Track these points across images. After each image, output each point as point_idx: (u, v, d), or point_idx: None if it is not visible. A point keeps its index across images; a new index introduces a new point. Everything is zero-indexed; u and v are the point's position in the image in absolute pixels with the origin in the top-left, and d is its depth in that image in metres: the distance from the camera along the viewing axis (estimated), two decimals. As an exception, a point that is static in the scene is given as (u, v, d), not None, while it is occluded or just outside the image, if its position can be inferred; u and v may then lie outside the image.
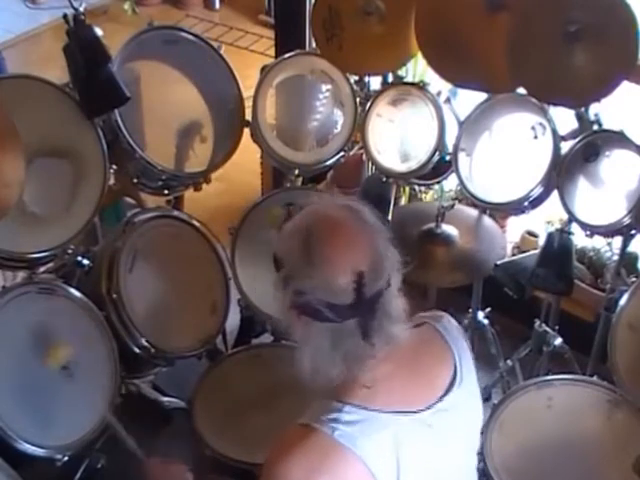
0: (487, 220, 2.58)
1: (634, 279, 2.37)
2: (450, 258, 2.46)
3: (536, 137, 2.36)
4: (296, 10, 3.30)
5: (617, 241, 2.42)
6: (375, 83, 2.64)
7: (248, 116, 2.53)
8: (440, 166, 2.54)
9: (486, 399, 2.84)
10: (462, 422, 1.45)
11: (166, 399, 2.35)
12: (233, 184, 3.77)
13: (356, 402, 1.33)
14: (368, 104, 2.56)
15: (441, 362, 1.44)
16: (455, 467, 1.47)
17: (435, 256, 2.46)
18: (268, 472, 1.32)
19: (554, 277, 2.38)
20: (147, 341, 2.24)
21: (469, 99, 2.53)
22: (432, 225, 2.47)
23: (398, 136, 2.59)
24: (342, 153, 2.60)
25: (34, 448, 1.98)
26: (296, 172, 2.60)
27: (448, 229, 2.48)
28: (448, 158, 2.51)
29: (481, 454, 2.08)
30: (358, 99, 2.59)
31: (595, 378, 2.26)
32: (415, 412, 1.36)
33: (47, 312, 2.09)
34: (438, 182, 2.69)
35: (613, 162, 2.25)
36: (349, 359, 1.31)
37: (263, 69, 2.60)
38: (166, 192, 2.48)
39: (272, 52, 3.66)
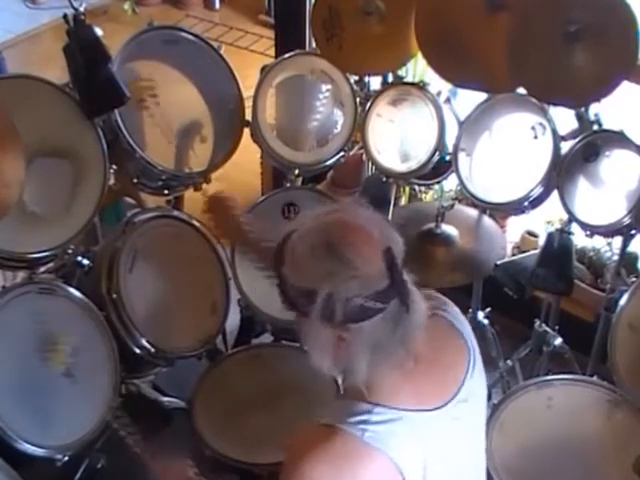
0: (487, 220, 2.58)
1: (634, 279, 2.37)
2: (450, 258, 2.46)
3: (536, 137, 2.36)
4: (296, 10, 3.30)
5: (617, 241, 2.42)
6: (375, 83, 2.65)
7: (248, 116, 2.53)
8: (440, 166, 2.54)
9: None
10: (479, 408, 1.47)
11: (166, 399, 2.35)
12: (233, 184, 3.76)
13: (384, 402, 1.33)
14: (368, 104, 2.56)
15: (457, 353, 1.45)
16: (477, 455, 1.50)
17: (435, 256, 2.46)
18: (290, 475, 1.29)
19: (554, 277, 2.38)
20: (147, 341, 2.24)
21: (469, 99, 2.53)
22: (432, 225, 2.47)
23: (398, 136, 2.59)
24: (342, 153, 2.60)
25: (34, 448, 1.98)
26: (296, 172, 2.60)
27: (448, 229, 2.48)
28: (448, 158, 2.51)
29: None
30: (358, 99, 2.59)
31: (595, 378, 2.26)
32: (439, 407, 1.37)
33: (47, 312, 2.09)
34: (438, 182, 2.69)
35: (613, 162, 2.25)
36: (405, 342, 1.30)
37: (263, 69, 2.60)
38: (166, 192, 2.48)
39: (272, 52, 3.67)
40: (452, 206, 2.51)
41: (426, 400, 1.36)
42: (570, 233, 2.38)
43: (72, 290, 2.15)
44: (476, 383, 1.44)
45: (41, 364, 2.05)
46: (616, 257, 2.46)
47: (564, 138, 2.33)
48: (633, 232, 2.28)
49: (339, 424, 1.30)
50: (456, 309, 1.52)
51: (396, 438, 1.30)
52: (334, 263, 1.26)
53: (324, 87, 2.63)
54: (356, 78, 2.61)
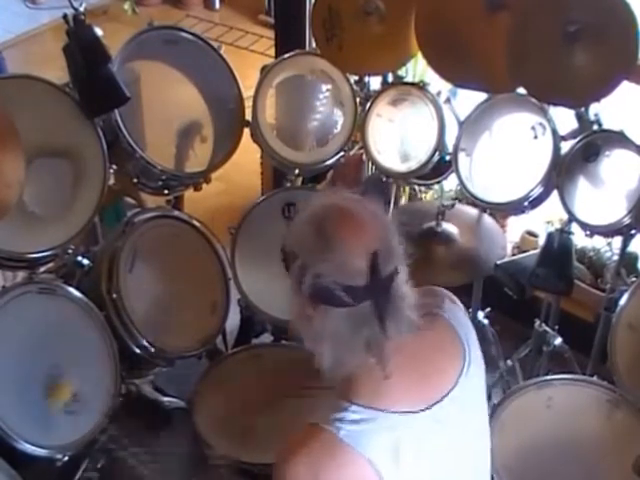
0: (487, 219, 2.57)
1: (634, 279, 2.37)
2: (450, 257, 2.46)
3: (536, 137, 2.36)
4: (296, 10, 3.30)
5: (617, 241, 2.41)
6: (375, 83, 2.64)
7: (248, 116, 2.53)
8: (440, 166, 2.54)
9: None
10: (472, 410, 1.46)
11: (166, 399, 2.35)
12: (233, 184, 3.78)
13: (362, 401, 1.34)
14: (368, 104, 2.56)
15: (451, 355, 1.44)
16: (468, 458, 1.47)
17: (435, 255, 2.46)
18: (277, 472, 1.33)
19: (554, 277, 2.38)
20: (147, 341, 2.24)
21: (469, 99, 2.53)
22: (432, 224, 2.47)
23: (398, 136, 2.59)
24: (342, 153, 2.60)
25: (34, 448, 1.98)
26: (296, 172, 2.60)
27: (448, 228, 2.48)
28: (448, 158, 2.51)
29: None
30: (358, 99, 2.59)
31: (595, 378, 2.26)
32: (424, 410, 1.36)
33: (47, 312, 2.09)
34: (438, 182, 2.69)
35: (613, 162, 2.25)
36: (370, 346, 1.32)
37: (263, 69, 2.60)
38: (166, 192, 2.48)
39: (272, 52, 3.66)
40: (453, 205, 2.52)
41: (409, 402, 1.36)
42: (570, 233, 2.38)
43: (72, 290, 2.15)
44: (470, 385, 1.43)
45: (41, 364, 2.05)
46: (616, 257, 2.46)
47: (564, 138, 2.33)
48: (633, 232, 2.28)
49: (322, 422, 1.32)
50: (455, 306, 1.51)
51: (369, 439, 1.31)
52: (315, 238, 1.31)
53: (324, 87, 2.63)
54: (356, 78, 2.60)
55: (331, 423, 1.31)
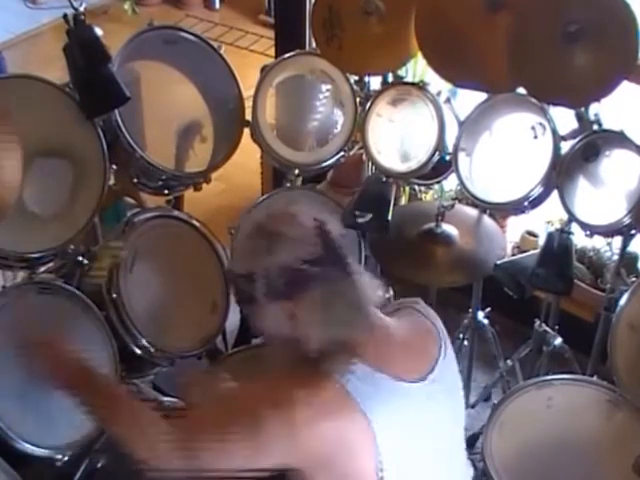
0: (487, 220, 2.57)
1: (634, 279, 2.37)
2: (450, 258, 2.46)
3: (536, 137, 2.36)
4: (296, 10, 3.30)
5: (617, 241, 2.41)
6: (375, 83, 2.64)
7: (248, 116, 2.53)
8: (440, 166, 2.54)
9: (486, 399, 2.85)
10: (448, 393, 1.52)
11: (166, 399, 2.35)
12: (233, 184, 3.78)
13: (365, 361, 1.39)
14: (368, 104, 2.56)
15: (428, 336, 1.52)
16: (444, 438, 1.52)
17: (435, 256, 2.46)
18: (279, 411, 1.33)
19: (554, 277, 2.38)
20: (147, 341, 2.24)
21: (469, 99, 2.53)
22: (432, 225, 2.47)
23: (398, 136, 2.59)
24: (342, 153, 2.60)
25: (34, 448, 1.98)
26: (296, 172, 2.60)
27: (448, 229, 2.48)
28: (448, 158, 2.51)
29: (481, 454, 2.08)
30: (358, 99, 2.59)
31: (595, 378, 2.26)
32: (416, 381, 1.43)
33: (47, 312, 2.09)
34: (438, 182, 2.69)
35: (613, 162, 2.25)
36: (360, 304, 1.40)
37: (263, 69, 2.60)
38: (166, 192, 2.48)
39: (272, 52, 3.66)
40: (453, 206, 2.52)
41: (404, 374, 1.42)
42: (570, 233, 2.38)
43: (72, 290, 2.15)
44: (447, 365, 1.50)
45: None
46: (616, 257, 2.46)
47: (564, 138, 2.33)
48: (633, 232, 2.28)
49: (328, 372, 1.37)
50: (428, 307, 1.60)
51: (370, 396, 1.35)
52: (264, 238, 1.37)
53: (324, 87, 2.63)
54: (356, 78, 2.60)
55: (338, 372, 1.35)
